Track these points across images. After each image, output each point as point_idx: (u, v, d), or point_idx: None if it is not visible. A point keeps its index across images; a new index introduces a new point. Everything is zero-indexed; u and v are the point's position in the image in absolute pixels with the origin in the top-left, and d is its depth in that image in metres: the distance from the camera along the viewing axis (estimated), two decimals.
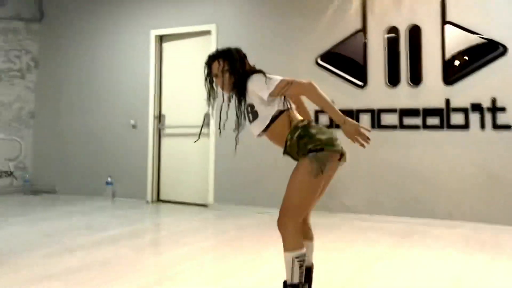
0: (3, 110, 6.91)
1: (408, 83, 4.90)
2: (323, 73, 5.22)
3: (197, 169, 5.90)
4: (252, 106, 2.41)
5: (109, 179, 6.33)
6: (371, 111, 5.00)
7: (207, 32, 5.86)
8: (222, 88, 2.48)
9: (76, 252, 3.54)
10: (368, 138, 2.22)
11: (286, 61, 5.40)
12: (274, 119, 2.37)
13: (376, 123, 4.97)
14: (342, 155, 2.30)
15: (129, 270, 3.10)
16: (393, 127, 4.92)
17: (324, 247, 3.72)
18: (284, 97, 2.40)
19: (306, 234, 2.44)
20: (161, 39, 6.21)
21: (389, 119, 4.95)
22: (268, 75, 2.38)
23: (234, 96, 2.45)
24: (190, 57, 6.01)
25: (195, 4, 6.03)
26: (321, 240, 4.05)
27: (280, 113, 2.38)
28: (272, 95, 2.33)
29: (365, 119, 5.01)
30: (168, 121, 6.18)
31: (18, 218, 5.04)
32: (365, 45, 5.06)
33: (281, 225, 2.23)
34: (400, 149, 4.89)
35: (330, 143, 2.25)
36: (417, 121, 4.84)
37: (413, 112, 4.85)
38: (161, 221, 5.26)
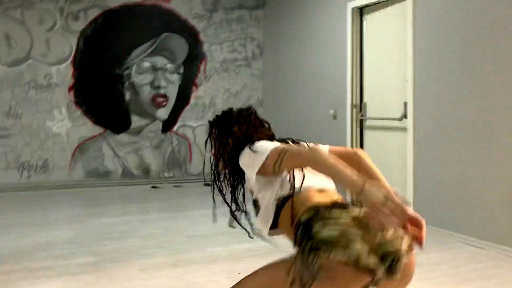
0: (232, 99, 7.35)
1: None
2: None
3: (397, 177, 4.89)
4: (252, 193, 1.85)
5: None
6: None
7: None
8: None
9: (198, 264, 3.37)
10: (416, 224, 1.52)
11: None
12: (279, 209, 1.72)
13: None
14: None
15: None
16: None
17: None
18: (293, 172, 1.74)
19: None
20: (360, 12, 5.37)
21: None
22: (260, 144, 1.79)
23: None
24: (389, 32, 5.00)
25: None
26: None
27: (284, 201, 1.70)
28: (263, 173, 1.73)
29: None
30: (370, 111, 5.33)
31: None
32: None
33: None
34: None
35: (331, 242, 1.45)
36: None
37: None
38: None
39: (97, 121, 6.77)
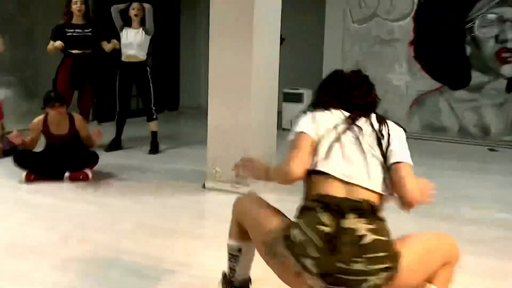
0: None
1: None
2: None
3: None
4: None
5: None
6: None
7: None
8: None
9: None
10: None
11: None
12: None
13: None
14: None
15: None
16: None
17: None
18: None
19: None
20: None
21: None
22: (307, 116, 1.91)
23: None
24: None
25: None
26: None
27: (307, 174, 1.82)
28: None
29: None
30: None
31: None
32: None
33: None
34: None
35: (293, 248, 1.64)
36: None
37: None
38: None
39: (435, 76, 6.90)
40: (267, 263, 1.76)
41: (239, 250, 1.95)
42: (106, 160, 4.98)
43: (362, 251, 1.54)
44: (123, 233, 3.16)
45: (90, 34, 5.42)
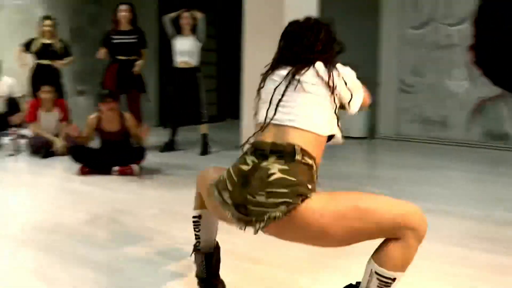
0: None
1: None
2: None
3: None
4: None
5: None
6: None
7: None
8: None
9: None
10: None
11: None
12: None
13: None
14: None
15: None
16: None
17: None
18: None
19: None
20: None
21: None
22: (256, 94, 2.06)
23: None
24: None
25: None
26: None
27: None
28: None
29: None
30: None
31: None
32: None
33: None
34: None
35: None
36: None
37: None
38: None
39: (496, 82, 6.64)
40: (208, 208, 1.98)
41: (199, 216, 2.12)
42: (157, 159, 5.35)
43: (266, 186, 1.63)
44: (148, 216, 3.42)
45: (135, 40, 5.82)
